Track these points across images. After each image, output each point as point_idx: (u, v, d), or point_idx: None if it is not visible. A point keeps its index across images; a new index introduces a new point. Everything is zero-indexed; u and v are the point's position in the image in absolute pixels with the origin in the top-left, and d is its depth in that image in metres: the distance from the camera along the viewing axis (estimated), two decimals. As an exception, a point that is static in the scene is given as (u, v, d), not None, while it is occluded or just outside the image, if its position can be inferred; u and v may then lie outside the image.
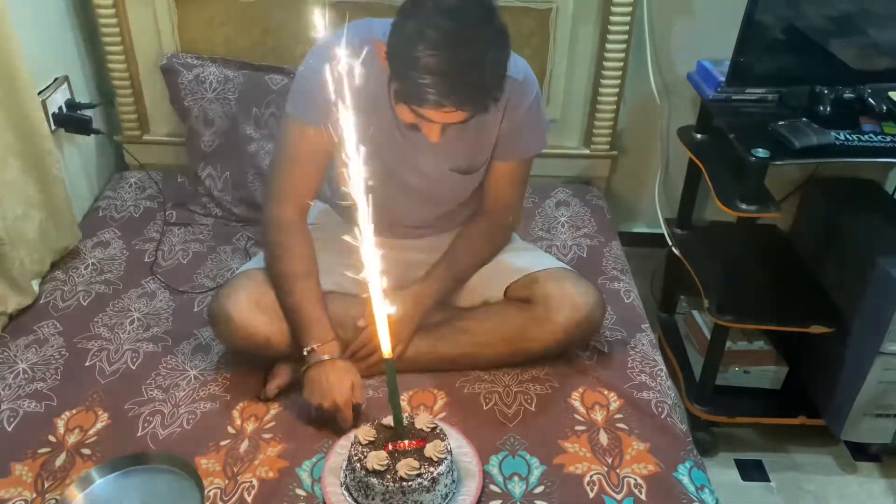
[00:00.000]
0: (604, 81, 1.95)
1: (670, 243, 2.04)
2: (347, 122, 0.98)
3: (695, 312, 2.04)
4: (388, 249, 1.39)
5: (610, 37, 1.89)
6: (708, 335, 1.87)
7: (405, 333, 1.43)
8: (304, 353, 1.33)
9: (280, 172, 1.43)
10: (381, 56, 1.22)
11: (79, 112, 1.84)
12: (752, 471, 1.90)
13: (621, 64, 1.93)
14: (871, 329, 1.71)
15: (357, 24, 1.36)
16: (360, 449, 1.17)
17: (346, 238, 1.04)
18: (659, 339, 1.69)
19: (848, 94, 1.67)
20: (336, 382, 1.30)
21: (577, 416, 1.35)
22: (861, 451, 1.94)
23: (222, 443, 1.28)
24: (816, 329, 1.77)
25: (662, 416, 1.36)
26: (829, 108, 1.65)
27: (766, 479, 1.88)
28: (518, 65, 1.38)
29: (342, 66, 0.95)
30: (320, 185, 1.46)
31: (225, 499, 1.19)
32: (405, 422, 1.21)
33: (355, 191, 1.02)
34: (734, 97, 1.76)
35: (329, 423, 1.31)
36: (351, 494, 1.17)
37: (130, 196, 1.96)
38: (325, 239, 1.53)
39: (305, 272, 1.39)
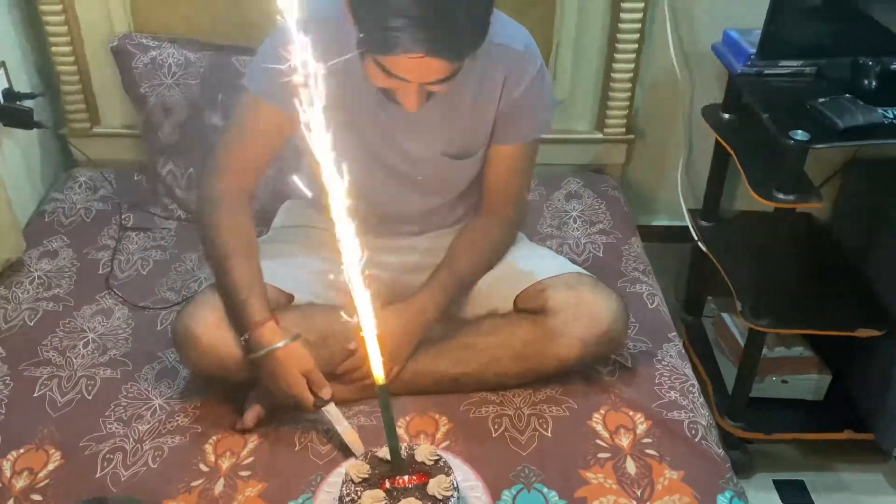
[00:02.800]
0: (618, 56, 1.92)
1: (695, 237, 2.02)
2: (313, 101, 0.95)
3: (725, 315, 2.02)
4: (379, 252, 1.36)
5: (624, 5, 1.86)
6: (741, 341, 1.85)
7: (404, 352, 1.40)
8: (242, 341, 1.31)
9: (226, 147, 1.43)
10: (345, 7, 1.18)
11: (18, 103, 1.80)
12: (794, 493, 1.89)
13: (637, 35, 1.90)
14: (926, 331, 1.69)
15: None
16: (352, 488, 1.14)
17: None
18: (684, 346, 1.68)
19: (895, 66, 1.65)
20: (283, 380, 1.29)
21: (599, 441, 1.33)
22: (915, 468, 1.94)
23: (194, 483, 1.25)
24: (863, 332, 1.75)
25: (696, 439, 1.34)
26: (874, 82, 1.64)
27: (810, 502, 1.87)
28: (517, 34, 1.36)
29: (312, 38, 0.91)
30: (266, 167, 1.45)
31: (199, 549, 1.16)
32: (404, 454, 1.18)
33: (325, 178, 0.98)
34: (766, 71, 1.74)
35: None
36: (344, 540, 1.14)
37: (80, 198, 1.93)
38: (304, 243, 1.50)
39: (239, 250, 1.35)
